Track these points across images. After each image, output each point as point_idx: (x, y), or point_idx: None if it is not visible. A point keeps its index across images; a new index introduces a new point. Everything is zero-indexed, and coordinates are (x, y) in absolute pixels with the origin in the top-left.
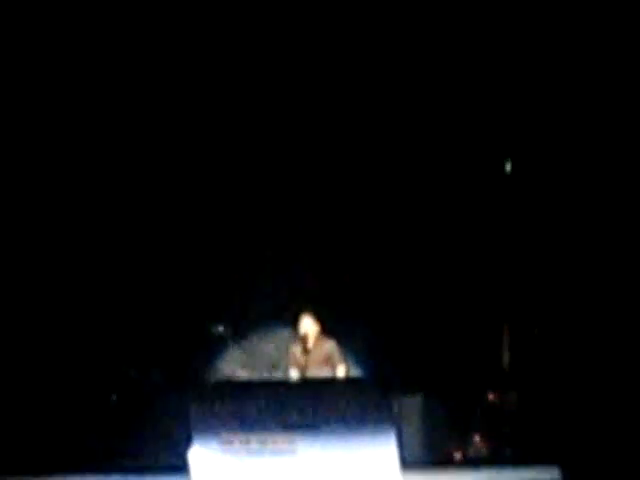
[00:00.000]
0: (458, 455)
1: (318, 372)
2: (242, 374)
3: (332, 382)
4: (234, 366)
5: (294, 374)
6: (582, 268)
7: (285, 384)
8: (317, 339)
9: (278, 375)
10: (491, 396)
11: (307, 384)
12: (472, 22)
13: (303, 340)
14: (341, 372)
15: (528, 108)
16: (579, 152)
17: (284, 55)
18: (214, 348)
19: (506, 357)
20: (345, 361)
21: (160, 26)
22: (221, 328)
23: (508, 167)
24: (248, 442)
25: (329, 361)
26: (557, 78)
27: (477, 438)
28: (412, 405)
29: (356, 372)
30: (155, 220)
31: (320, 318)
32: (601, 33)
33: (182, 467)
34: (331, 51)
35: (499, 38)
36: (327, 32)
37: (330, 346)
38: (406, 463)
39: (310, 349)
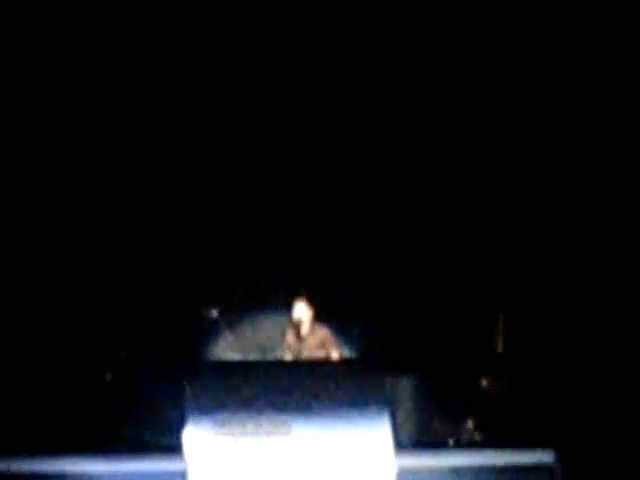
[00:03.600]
0: (452, 439)
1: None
2: (235, 357)
3: (326, 363)
4: (227, 350)
5: (288, 359)
6: (577, 253)
7: (280, 365)
8: (311, 325)
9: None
10: (486, 379)
11: (301, 365)
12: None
13: (297, 325)
14: (335, 358)
15: (527, 102)
16: (574, 143)
17: (284, 55)
18: (207, 332)
19: (501, 340)
20: (339, 347)
21: (160, 26)
22: (215, 312)
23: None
24: (242, 423)
25: (323, 347)
26: (557, 82)
27: (471, 421)
28: (405, 389)
29: (350, 356)
30: (148, 204)
31: (314, 303)
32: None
33: (176, 448)
34: (331, 51)
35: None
36: (327, 32)
37: (324, 332)
38: (399, 446)
39: (304, 335)
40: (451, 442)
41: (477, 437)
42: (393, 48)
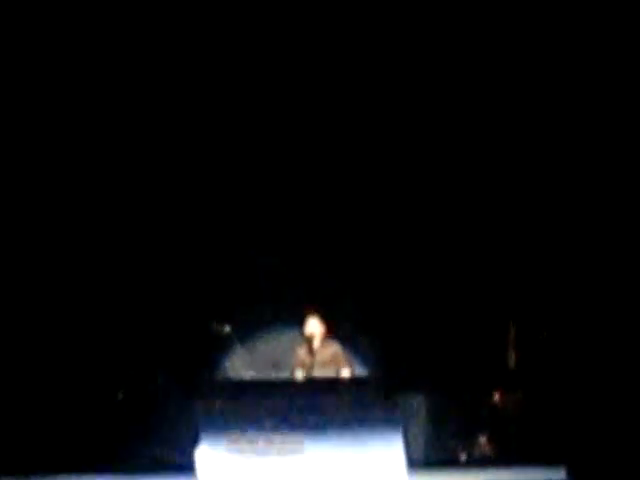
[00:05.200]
0: (464, 455)
1: (323, 374)
2: (247, 374)
3: (339, 382)
4: (239, 366)
5: (299, 375)
6: (590, 268)
7: (292, 384)
8: (323, 341)
9: (283, 375)
10: (497, 396)
11: (314, 384)
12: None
13: (309, 341)
14: (346, 374)
15: (527, 103)
16: (585, 148)
17: (284, 55)
18: (220, 348)
19: (513, 356)
20: (351, 363)
21: (160, 26)
22: (227, 328)
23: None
24: (255, 441)
25: (334, 363)
26: (557, 83)
27: (483, 438)
28: (418, 405)
29: (361, 372)
30: (161, 220)
31: (326, 319)
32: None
33: (189, 466)
34: (331, 51)
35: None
36: (327, 32)
37: (336, 348)
38: (412, 463)
39: (316, 350)
40: (463, 459)
41: (489, 454)
42: (393, 48)
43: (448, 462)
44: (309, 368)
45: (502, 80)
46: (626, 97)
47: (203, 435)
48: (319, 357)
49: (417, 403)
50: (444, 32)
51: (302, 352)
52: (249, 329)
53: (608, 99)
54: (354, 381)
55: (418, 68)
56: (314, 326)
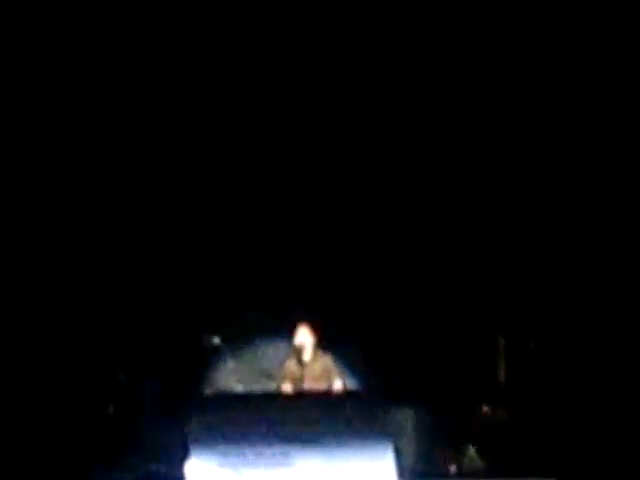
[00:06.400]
0: (454, 468)
1: (314, 386)
2: (237, 386)
3: (329, 394)
4: (230, 378)
5: (288, 388)
6: (579, 282)
7: (282, 396)
8: (313, 352)
9: (273, 388)
10: (486, 409)
11: (304, 396)
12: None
13: (299, 352)
14: (338, 386)
15: (525, 109)
16: (572, 162)
17: (284, 55)
18: (210, 360)
19: (502, 369)
20: (341, 376)
21: (160, 26)
22: (217, 340)
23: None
24: (245, 454)
25: (325, 375)
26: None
27: (473, 450)
28: (408, 418)
29: (352, 385)
30: (149, 230)
31: (317, 330)
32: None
33: (179, 479)
34: (331, 51)
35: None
36: (327, 32)
37: (326, 360)
38: (402, 476)
39: (306, 362)
40: (453, 471)
41: (479, 466)
42: (393, 48)
43: (438, 474)
44: (299, 380)
45: (502, 80)
46: (626, 97)
47: (193, 448)
48: (310, 370)
49: (408, 416)
50: (444, 32)
51: (292, 363)
52: (239, 341)
53: (608, 99)
54: (344, 394)
55: (418, 68)
56: (304, 336)
